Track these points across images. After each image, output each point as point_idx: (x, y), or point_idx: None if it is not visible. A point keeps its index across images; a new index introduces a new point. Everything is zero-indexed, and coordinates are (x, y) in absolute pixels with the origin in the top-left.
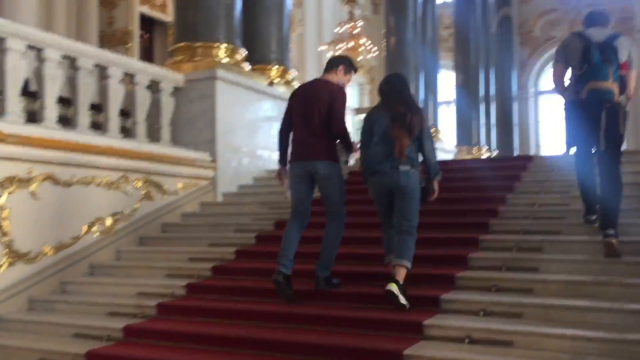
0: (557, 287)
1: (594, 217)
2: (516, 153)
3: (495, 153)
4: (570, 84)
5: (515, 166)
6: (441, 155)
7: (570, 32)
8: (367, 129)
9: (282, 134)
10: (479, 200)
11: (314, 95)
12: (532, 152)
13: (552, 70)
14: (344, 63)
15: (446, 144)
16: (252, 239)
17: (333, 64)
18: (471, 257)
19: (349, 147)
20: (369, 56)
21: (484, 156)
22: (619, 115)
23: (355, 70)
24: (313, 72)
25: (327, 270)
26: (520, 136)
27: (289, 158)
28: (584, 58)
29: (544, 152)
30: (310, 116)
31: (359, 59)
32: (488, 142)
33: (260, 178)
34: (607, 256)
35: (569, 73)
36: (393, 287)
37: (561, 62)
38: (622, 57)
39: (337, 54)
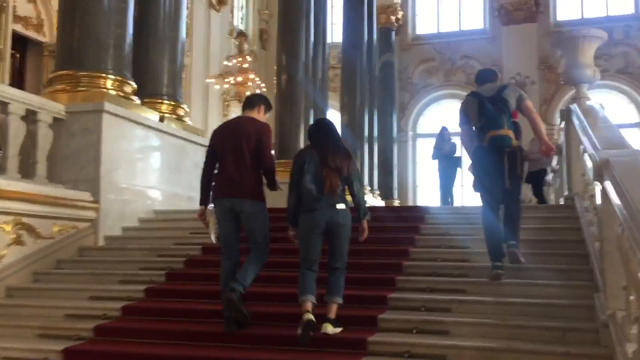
0: (471, 354)
1: (500, 264)
2: (395, 194)
3: (376, 193)
4: (474, 134)
5: (412, 217)
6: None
7: (468, 93)
8: (298, 169)
9: (208, 174)
10: (382, 253)
11: (242, 133)
12: (409, 193)
13: (460, 131)
14: (264, 102)
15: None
16: (140, 292)
17: (254, 102)
18: (382, 318)
19: (273, 184)
20: (257, 92)
21: (371, 198)
22: (517, 158)
23: (270, 109)
24: (199, 104)
25: (240, 285)
26: (398, 177)
27: (212, 196)
28: (481, 112)
29: (420, 192)
30: (241, 154)
31: (247, 94)
32: (371, 184)
33: (148, 220)
34: (512, 263)
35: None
36: (328, 329)
37: (464, 122)
38: (512, 106)
39: (225, 87)
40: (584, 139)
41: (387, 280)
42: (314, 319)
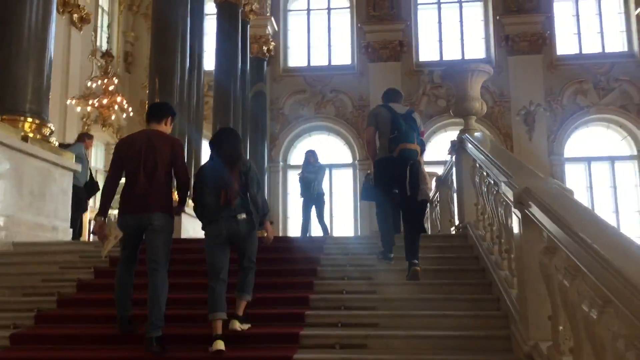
0: None
1: (391, 255)
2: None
3: None
4: (381, 145)
5: (311, 247)
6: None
7: (376, 105)
8: (200, 180)
9: (113, 184)
10: (285, 286)
11: (154, 147)
12: (280, 224)
13: (366, 132)
14: (171, 113)
15: None
16: (6, 340)
17: (162, 114)
18: (297, 358)
19: (184, 201)
20: (123, 115)
21: None
22: (419, 170)
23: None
24: (56, 126)
25: (159, 329)
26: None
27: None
28: (394, 125)
29: (291, 224)
30: (153, 169)
31: (112, 118)
32: None
33: (5, 254)
34: (411, 279)
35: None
36: (236, 326)
37: (373, 125)
38: (419, 127)
39: (87, 109)
40: (490, 168)
41: (296, 315)
42: (223, 347)
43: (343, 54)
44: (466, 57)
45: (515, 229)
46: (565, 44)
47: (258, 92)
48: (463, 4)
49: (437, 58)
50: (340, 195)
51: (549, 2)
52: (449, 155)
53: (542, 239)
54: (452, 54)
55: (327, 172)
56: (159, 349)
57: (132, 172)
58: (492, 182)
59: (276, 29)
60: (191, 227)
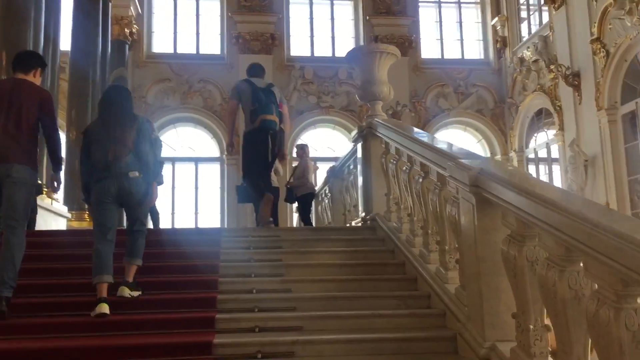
0: None
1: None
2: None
3: None
4: (246, 120)
5: (206, 241)
6: (58, 221)
7: (239, 80)
8: (87, 142)
9: None
10: (185, 285)
11: (21, 96)
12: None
13: (229, 104)
14: (40, 64)
15: (61, 207)
16: None
17: (31, 64)
18: None
19: (59, 159)
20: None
21: None
22: (277, 138)
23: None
24: None
25: (10, 289)
26: None
27: None
28: (254, 98)
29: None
30: (18, 118)
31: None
32: None
33: None
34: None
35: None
36: (125, 292)
37: (235, 99)
38: (277, 100)
39: None
40: (422, 152)
41: (204, 320)
42: (107, 311)
43: (212, 43)
44: (337, 55)
45: (464, 217)
46: (429, 49)
47: (119, 78)
48: (334, 2)
49: (308, 54)
50: (206, 190)
51: (415, 7)
52: (353, 143)
53: (503, 226)
54: (323, 50)
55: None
56: (6, 310)
57: None
58: (418, 169)
59: (139, 11)
60: (43, 222)
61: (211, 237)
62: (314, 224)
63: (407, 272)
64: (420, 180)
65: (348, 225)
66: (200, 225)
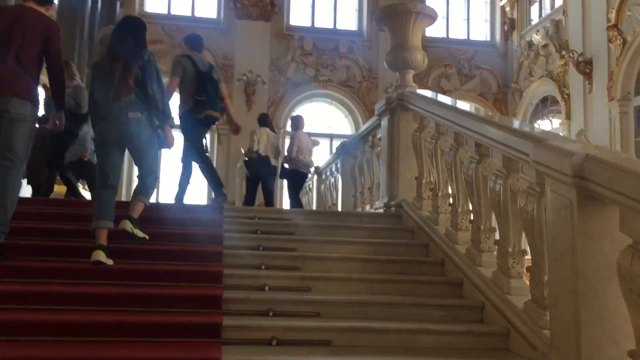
0: None
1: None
2: None
3: None
4: (183, 98)
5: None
6: None
7: (181, 54)
8: (95, 76)
9: None
10: (182, 276)
11: (27, 25)
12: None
13: (169, 80)
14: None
15: None
16: None
17: None
18: None
19: (62, 94)
20: None
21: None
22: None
23: None
24: None
25: (2, 235)
26: None
27: None
28: (200, 87)
29: None
30: (20, 47)
31: None
32: None
33: None
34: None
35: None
36: (127, 225)
37: (178, 76)
38: (221, 90)
39: None
40: (486, 130)
41: (210, 326)
42: (103, 259)
43: (208, 6)
44: (338, 27)
45: (553, 216)
46: (434, 27)
47: (108, 36)
48: None
49: (308, 24)
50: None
51: None
52: (377, 116)
53: (618, 233)
54: (324, 21)
55: None
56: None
57: None
58: (472, 151)
59: None
60: None
61: (211, 217)
62: (314, 206)
63: (447, 274)
64: (473, 165)
65: (361, 209)
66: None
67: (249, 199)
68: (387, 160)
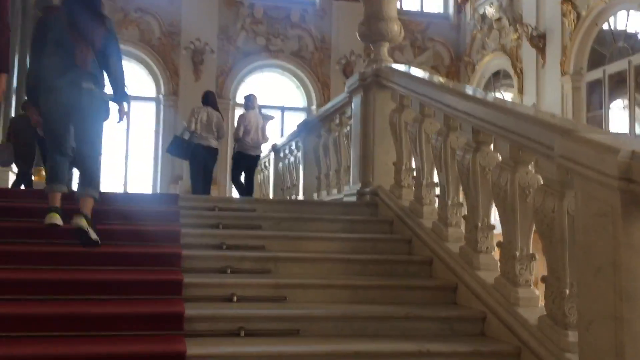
0: None
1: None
2: None
3: None
4: None
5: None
6: None
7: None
8: (41, 35)
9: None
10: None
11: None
12: None
13: None
14: None
15: None
16: None
17: None
18: None
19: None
20: None
21: None
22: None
23: None
24: None
25: None
26: None
27: None
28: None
29: None
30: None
31: None
32: None
33: None
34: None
35: None
36: (83, 223)
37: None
38: None
39: None
40: (489, 115)
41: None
42: (59, 222)
43: None
44: None
45: (587, 223)
46: None
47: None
48: None
49: None
50: (139, 133)
51: None
52: (347, 94)
53: None
54: None
55: None
56: None
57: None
58: (467, 137)
59: None
60: None
61: (165, 208)
62: (271, 185)
63: (437, 275)
64: (469, 154)
65: (327, 193)
66: (131, 173)
67: (195, 185)
68: (360, 142)
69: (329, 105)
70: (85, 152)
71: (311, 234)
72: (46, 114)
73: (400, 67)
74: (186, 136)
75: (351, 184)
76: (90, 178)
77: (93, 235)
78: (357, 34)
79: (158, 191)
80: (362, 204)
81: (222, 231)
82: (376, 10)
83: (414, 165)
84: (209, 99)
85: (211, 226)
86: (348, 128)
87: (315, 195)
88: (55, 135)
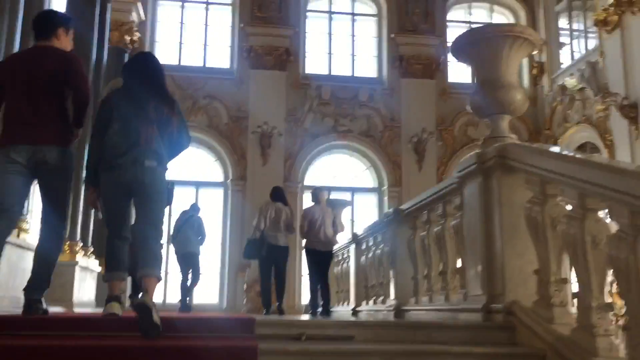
0: None
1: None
2: None
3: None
4: None
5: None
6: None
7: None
8: (105, 115)
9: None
10: None
11: (38, 66)
12: None
13: None
14: (62, 24)
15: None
16: None
17: (50, 27)
18: None
19: (80, 121)
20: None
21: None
22: None
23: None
24: None
25: (42, 291)
26: None
27: None
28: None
29: None
30: (36, 90)
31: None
32: (85, 238)
33: None
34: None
35: None
36: (148, 301)
37: None
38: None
39: None
40: None
41: None
42: (118, 311)
43: (221, 56)
44: (357, 75)
45: None
46: (457, 72)
47: (115, 88)
48: (356, 18)
49: (326, 72)
50: (206, 217)
51: (443, 27)
52: (457, 179)
53: None
54: (341, 69)
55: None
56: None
57: (14, 96)
58: None
59: (143, 17)
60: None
61: (238, 345)
62: (352, 280)
63: None
64: None
65: (429, 299)
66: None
67: (264, 287)
68: (481, 240)
69: (429, 191)
70: (148, 232)
71: None
72: (106, 194)
73: (534, 146)
74: (257, 235)
75: (469, 294)
76: (154, 256)
77: (156, 317)
78: (469, 106)
79: (226, 278)
80: (494, 328)
81: None
82: (494, 76)
83: (564, 275)
84: (277, 195)
85: None
86: (456, 221)
87: (412, 300)
88: (115, 216)
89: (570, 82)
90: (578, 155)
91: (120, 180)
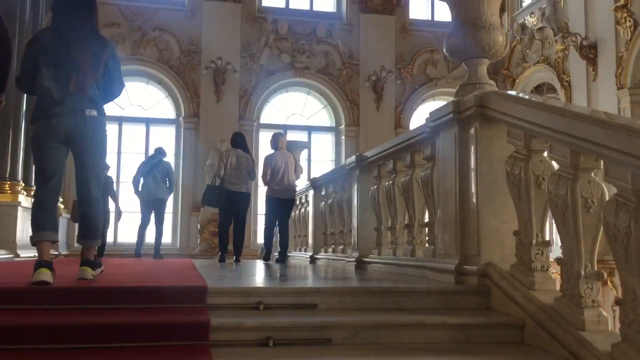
0: None
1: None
2: None
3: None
4: None
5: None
6: None
7: None
8: (32, 57)
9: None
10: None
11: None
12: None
13: None
14: None
15: None
16: None
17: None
18: None
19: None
20: None
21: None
22: None
23: None
24: None
25: None
26: None
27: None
28: None
29: None
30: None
31: None
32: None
33: None
34: None
35: None
36: (88, 273)
37: None
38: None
39: None
40: None
41: None
42: (49, 279)
43: None
44: (315, 9)
45: None
46: (418, 8)
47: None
48: None
49: (282, 5)
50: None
51: None
52: (429, 128)
53: None
54: (299, 2)
55: None
56: None
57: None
58: None
59: None
60: None
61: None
62: (310, 227)
63: None
64: None
65: (392, 252)
66: None
67: (223, 234)
68: (455, 196)
69: (396, 139)
70: (84, 196)
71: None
72: (38, 146)
73: (516, 94)
74: (217, 182)
75: (440, 253)
76: (94, 227)
77: (98, 271)
78: (444, 49)
79: (179, 218)
80: (468, 292)
81: (272, 349)
82: (473, 16)
83: (547, 237)
84: (238, 141)
85: (256, 343)
86: (425, 172)
87: (375, 252)
88: (45, 169)
89: (530, 20)
90: (572, 109)
91: (59, 129)
